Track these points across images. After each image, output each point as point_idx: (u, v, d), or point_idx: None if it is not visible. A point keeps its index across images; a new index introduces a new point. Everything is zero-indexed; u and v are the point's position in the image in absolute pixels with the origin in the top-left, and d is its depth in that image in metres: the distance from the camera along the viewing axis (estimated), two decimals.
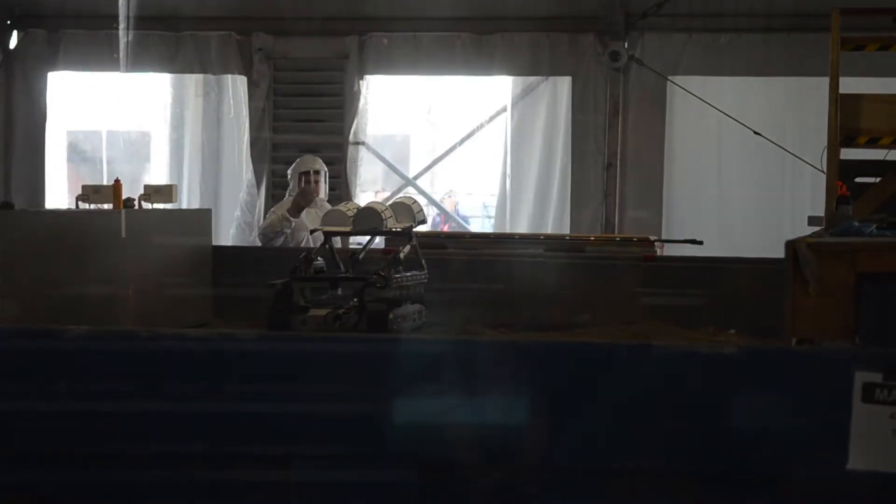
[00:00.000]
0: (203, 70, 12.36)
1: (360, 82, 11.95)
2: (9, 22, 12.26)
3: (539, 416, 4.08)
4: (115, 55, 11.78)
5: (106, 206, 8.57)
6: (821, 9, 9.39)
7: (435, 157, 13.25)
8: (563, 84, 11.80)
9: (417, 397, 4.10)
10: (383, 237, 7.81)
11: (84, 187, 8.80)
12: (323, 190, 9.97)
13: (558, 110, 11.85)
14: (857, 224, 6.00)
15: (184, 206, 11.77)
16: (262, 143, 12.00)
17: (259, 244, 10.16)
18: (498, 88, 12.47)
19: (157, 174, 13.56)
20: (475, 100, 13.08)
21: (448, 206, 15.18)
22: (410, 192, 12.95)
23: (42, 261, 6.97)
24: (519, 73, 12.00)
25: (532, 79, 12.03)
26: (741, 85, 11.36)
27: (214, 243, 9.28)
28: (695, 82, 11.25)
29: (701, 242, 9.20)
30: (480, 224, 15.27)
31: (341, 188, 11.62)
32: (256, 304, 8.13)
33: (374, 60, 11.94)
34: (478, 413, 4.09)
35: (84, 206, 8.59)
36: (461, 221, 14.95)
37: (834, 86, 8.44)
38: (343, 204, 7.81)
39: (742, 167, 11.30)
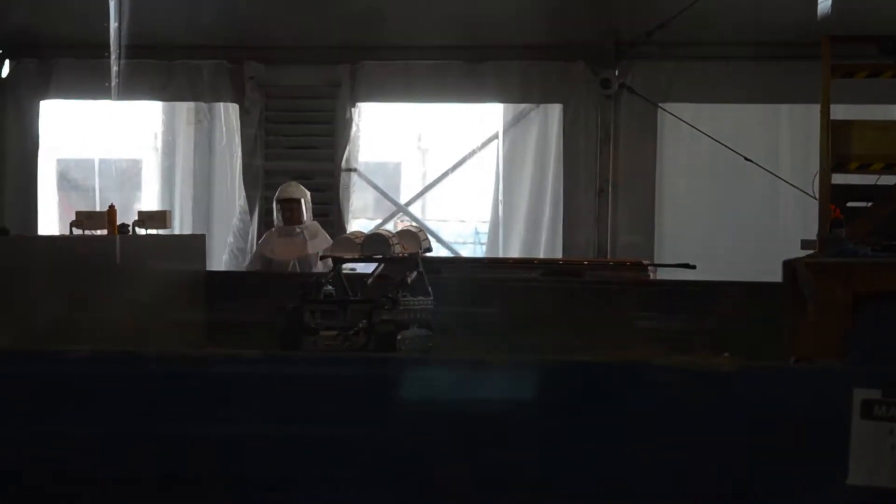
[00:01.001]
0: (195, 98, 12.39)
1: (352, 110, 11.98)
2: (1, 51, 12.28)
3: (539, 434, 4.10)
4: (107, 84, 11.80)
5: (100, 232, 8.58)
6: (811, 36, 9.47)
7: (426, 184, 13.28)
8: (555, 111, 11.84)
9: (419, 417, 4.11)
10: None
11: (78, 214, 8.82)
12: (305, 216, 10.00)
13: (549, 137, 11.89)
14: (851, 246, 6.05)
15: (177, 233, 11.77)
16: (255, 170, 12.02)
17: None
18: (489, 116, 12.51)
19: (149, 202, 13.56)
20: (466, 127, 13.12)
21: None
22: (403, 218, 12.98)
23: (37, 286, 6.98)
24: (510, 100, 12.05)
25: (523, 106, 12.07)
26: (732, 111, 11.42)
27: (208, 269, 9.29)
28: (685, 109, 11.30)
29: (694, 267, 9.24)
30: (472, 251, 15.26)
31: (333, 215, 11.64)
32: (250, 328, 8.16)
33: (365, 88, 11.97)
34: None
35: (78, 232, 8.60)
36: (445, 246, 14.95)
37: (825, 112, 8.51)
38: (351, 232, 7.99)
39: (733, 192, 11.35)
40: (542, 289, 8.58)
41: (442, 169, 12.92)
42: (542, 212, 11.88)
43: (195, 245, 9.32)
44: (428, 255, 7.84)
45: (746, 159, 10.83)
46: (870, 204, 8.47)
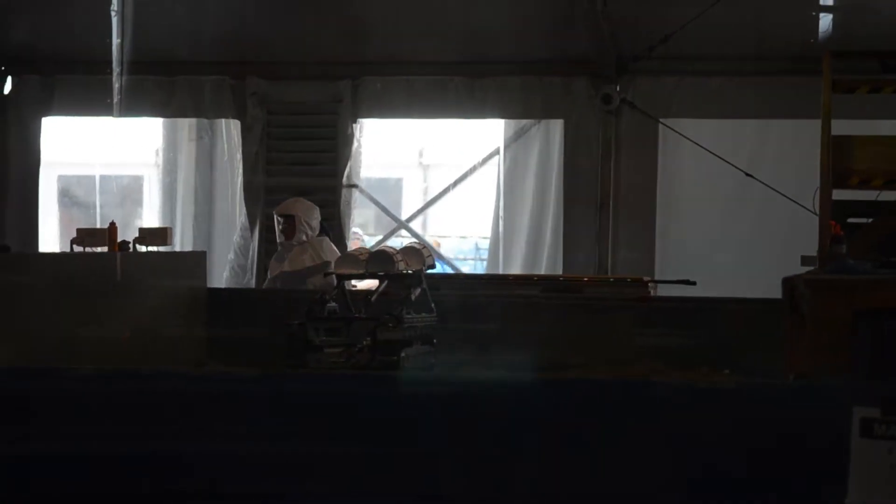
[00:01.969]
0: (197, 114, 12.40)
1: (354, 125, 11.98)
2: (3, 68, 12.30)
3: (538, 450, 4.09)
4: (109, 100, 11.81)
5: (100, 249, 8.59)
6: (812, 52, 9.49)
7: (427, 199, 13.28)
8: (556, 127, 11.84)
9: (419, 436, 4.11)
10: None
11: (79, 231, 8.83)
12: (304, 232, 9.97)
13: (551, 153, 11.89)
14: (852, 262, 6.04)
15: (177, 250, 11.78)
16: (256, 186, 12.02)
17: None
18: (490, 131, 12.52)
19: (150, 218, 13.57)
20: (467, 143, 13.13)
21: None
22: (403, 234, 12.99)
23: (38, 303, 6.98)
24: (511, 116, 12.05)
25: (524, 122, 12.08)
26: (733, 127, 11.42)
27: (208, 286, 9.30)
28: (687, 124, 11.30)
29: (694, 283, 9.23)
30: (473, 266, 15.28)
31: (334, 231, 11.63)
32: (250, 345, 8.17)
33: (367, 104, 11.98)
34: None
35: (79, 249, 8.61)
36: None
37: (826, 128, 8.51)
38: (355, 249, 8.04)
39: (734, 208, 11.35)
40: (543, 305, 8.58)
41: (443, 185, 12.93)
42: (544, 228, 11.88)
43: (196, 262, 9.32)
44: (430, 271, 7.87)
45: (747, 175, 10.83)
46: (870, 220, 8.46)
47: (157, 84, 12.17)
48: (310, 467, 4.14)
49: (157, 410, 4.27)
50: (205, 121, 12.48)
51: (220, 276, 12.06)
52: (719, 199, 11.42)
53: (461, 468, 4.15)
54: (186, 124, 12.77)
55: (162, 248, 9.05)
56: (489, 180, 12.49)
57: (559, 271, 11.40)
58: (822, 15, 10.79)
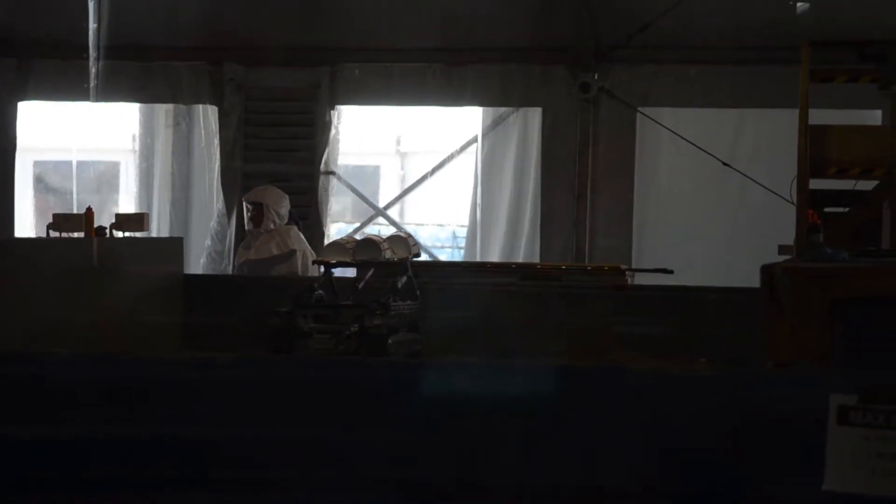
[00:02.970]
0: (174, 100, 12.35)
1: (332, 112, 11.96)
2: None
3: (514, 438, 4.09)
4: (86, 85, 11.76)
5: (77, 235, 8.55)
6: (791, 41, 9.50)
7: (405, 187, 13.27)
8: (534, 115, 11.84)
9: (401, 422, 4.11)
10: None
11: (55, 216, 8.78)
12: (272, 220, 9.91)
13: (529, 141, 11.89)
14: (829, 251, 6.06)
15: (154, 236, 11.74)
16: (233, 172, 11.99)
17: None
18: (468, 119, 12.52)
19: (127, 204, 13.52)
20: (445, 130, 13.12)
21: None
22: (380, 222, 12.98)
23: (14, 289, 6.95)
24: (490, 103, 12.05)
25: (503, 110, 12.08)
26: (711, 116, 11.44)
27: (185, 272, 9.27)
28: (665, 113, 11.32)
29: (671, 272, 9.24)
30: (450, 254, 15.29)
31: (312, 218, 11.61)
32: (226, 332, 8.15)
33: (345, 91, 11.96)
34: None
35: (55, 234, 8.57)
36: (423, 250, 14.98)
37: (803, 117, 8.54)
38: (342, 237, 8.09)
39: (711, 197, 11.38)
40: (520, 293, 8.58)
41: (421, 172, 12.92)
42: (522, 216, 11.88)
43: (173, 248, 9.29)
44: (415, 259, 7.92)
45: (724, 164, 10.86)
46: (847, 209, 8.50)
47: (133, 69, 12.12)
48: (293, 454, 4.13)
49: (139, 395, 4.24)
50: (182, 106, 12.44)
51: (198, 262, 12.04)
52: (697, 188, 11.45)
53: (443, 455, 4.14)
54: (164, 110, 12.72)
55: (139, 234, 9.02)
56: (467, 168, 12.49)
57: (537, 259, 11.42)
58: (799, 4, 10.81)
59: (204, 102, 12.23)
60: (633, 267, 10.21)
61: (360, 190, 12.95)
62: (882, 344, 5.39)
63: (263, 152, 12.03)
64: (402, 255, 7.55)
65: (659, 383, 4.07)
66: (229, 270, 11.42)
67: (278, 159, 11.94)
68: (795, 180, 8.53)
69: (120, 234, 8.78)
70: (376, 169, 16.90)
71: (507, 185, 12.06)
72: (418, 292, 7.43)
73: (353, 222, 14.07)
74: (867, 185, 8.67)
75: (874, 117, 10.47)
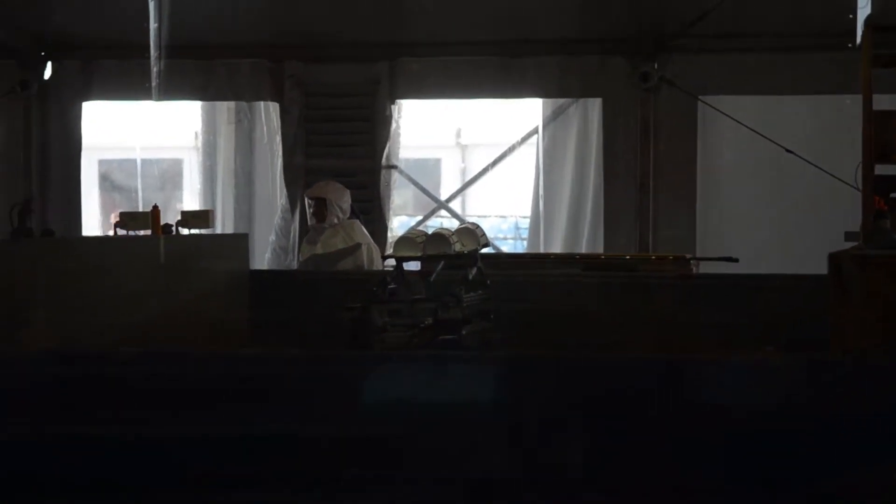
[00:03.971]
0: (236, 97, 12.45)
1: (392, 107, 12.00)
2: (42, 53, 12.37)
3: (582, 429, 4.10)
4: (148, 84, 11.87)
5: (143, 233, 8.64)
6: (851, 26, 9.41)
7: (466, 179, 13.29)
8: (594, 105, 11.83)
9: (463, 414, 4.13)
10: (419, 262, 8.03)
11: (121, 214, 8.88)
12: (335, 215, 9.95)
13: (589, 131, 11.88)
14: None
15: (219, 232, 11.84)
16: (296, 168, 12.06)
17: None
18: (528, 111, 12.52)
19: (191, 201, 13.65)
20: (506, 122, 13.13)
21: None
22: (442, 215, 13.02)
23: (82, 287, 7.03)
24: (549, 95, 12.05)
25: (563, 101, 12.07)
26: (773, 103, 11.37)
27: (251, 268, 9.34)
28: (726, 101, 11.26)
29: (736, 260, 9.21)
30: (513, 246, 15.30)
31: (375, 212, 11.67)
32: (294, 328, 8.21)
33: (404, 85, 11.99)
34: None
35: (121, 232, 8.66)
36: None
37: (867, 102, 8.47)
38: (410, 231, 8.14)
39: (775, 185, 11.31)
40: (585, 284, 8.58)
41: (481, 164, 12.94)
42: (584, 206, 11.88)
43: (238, 244, 9.36)
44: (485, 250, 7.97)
45: (787, 151, 10.78)
46: None
47: (195, 68, 12.22)
48: (364, 448, 4.17)
49: (207, 393, 4.29)
50: (243, 104, 12.55)
51: (262, 257, 12.13)
52: (760, 176, 11.39)
53: (508, 447, 4.17)
54: (225, 107, 12.84)
55: (204, 231, 9.09)
56: (528, 160, 12.49)
57: (600, 250, 11.40)
58: None
59: (265, 99, 12.32)
60: (698, 256, 10.18)
61: (421, 183, 12.99)
62: None
63: (325, 148, 12.09)
64: (471, 246, 7.59)
65: (728, 372, 4.07)
66: (294, 266, 11.50)
67: (340, 155, 11.99)
68: (860, 166, 8.46)
69: (186, 232, 8.85)
70: (437, 162, 16.93)
71: (569, 176, 12.06)
72: (488, 282, 7.47)
73: (414, 215, 14.11)
74: None
75: None
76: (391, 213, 12.07)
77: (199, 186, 13.17)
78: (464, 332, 6.91)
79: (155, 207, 8.75)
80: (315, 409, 4.19)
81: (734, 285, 8.48)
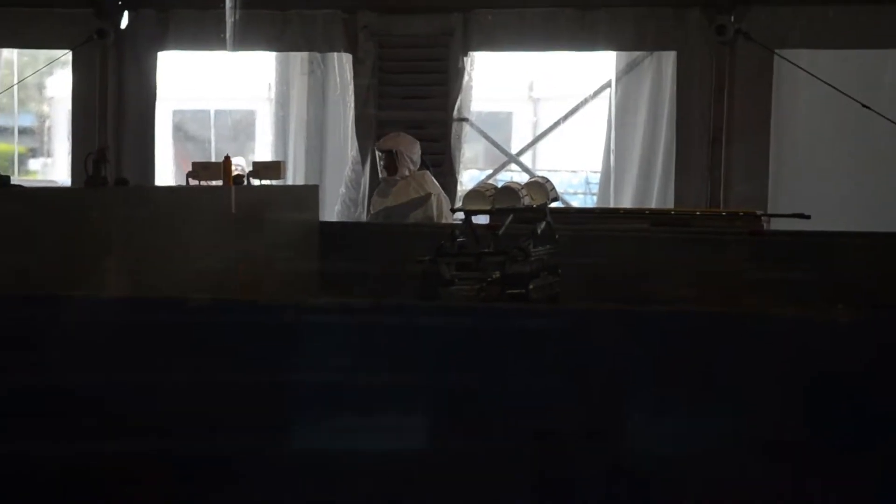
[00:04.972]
0: (309, 48, 12.49)
1: (464, 59, 11.97)
2: (120, 2, 12.46)
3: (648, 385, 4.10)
4: (223, 35, 11.92)
5: (215, 183, 8.70)
6: None
7: (537, 133, 13.24)
8: (668, 59, 11.73)
9: (526, 367, 4.14)
10: (487, 217, 8.02)
11: (194, 164, 8.94)
12: (406, 167, 9.95)
13: (663, 85, 11.79)
14: None
15: (290, 184, 11.91)
16: (367, 120, 12.08)
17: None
18: (601, 64, 12.43)
19: (262, 152, 13.72)
20: (578, 76, 13.05)
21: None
22: (512, 168, 12.99)
23: (154, 236, 7.09)
24: (623, 48, 11.96)
25: (636, 54, 11.98)
26: (851, 57, 11.20)
27: (321, 219, 9.38)
28: (803, 55, 11.11)
29: (808, 217, 9.11)
30: (583, 201, 15.25)
31: (445, 165, 11.67)
32: (363, 279, 8.25)
33: (478, 37, 11.95)
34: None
35: (194, 182, 8.73)
36: None
37: None
38: (480, 184, 8.12)
39: (851, 141, 11.16)
40: (653, 239, 8.53)
41: (553, 118, 12.89)
42: (655, 161, 11.80)
43: (309, 195, 9.39)
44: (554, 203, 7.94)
45: (864, 106, 10.63)
46: None
47: (269, 18, 12.25)
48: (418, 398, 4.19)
49: (275, 341, 4.33)
50: (317, 54, 12.58)
51: (332, 209, 12.18)
52: (835, 132, 11.24)
53: (572, 401, 4.17)
54: (299, 58, 12.87)
55: (275, 182, 9.14)
56: (600, 114, 12.42)
57: (670, 205, 11.34)
58: None
59: (338, 50, 12.33)
60: (769, 212, 10.08)
61: (492, 136, 12.96)
62: None
63: (397, 100, 12.09)
64: (540, 200, 7.56)
65: (800, 329, 4.04)
66: (363, 218, 11.54)
67: (411, 107, 11.98)
68: None
69: (257, 182, 8.90)
70: (509, 115, 16.88)
71: (640, 131, 11.98)
72: (557, 237, 7.46)
73: (485, 169, 14.09)
74: None
75: None
76: (461, 166, 12.07)
77: (271, 138, 13.24)
78: (531, 287, 6.90)
79: (227, 158, 8.80)
80: (378, 358, 4.21)
81: (806, 242, 8.39)
